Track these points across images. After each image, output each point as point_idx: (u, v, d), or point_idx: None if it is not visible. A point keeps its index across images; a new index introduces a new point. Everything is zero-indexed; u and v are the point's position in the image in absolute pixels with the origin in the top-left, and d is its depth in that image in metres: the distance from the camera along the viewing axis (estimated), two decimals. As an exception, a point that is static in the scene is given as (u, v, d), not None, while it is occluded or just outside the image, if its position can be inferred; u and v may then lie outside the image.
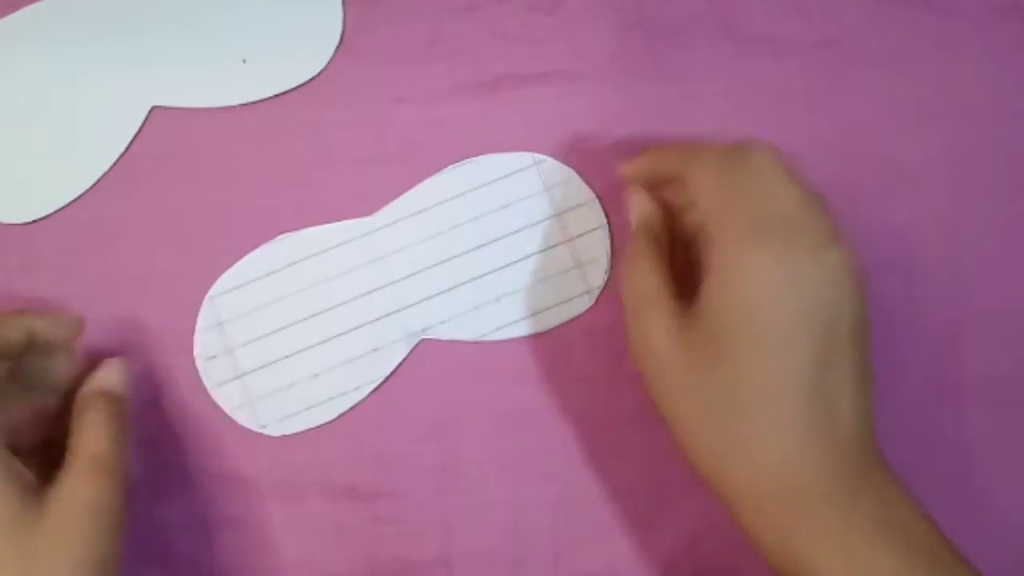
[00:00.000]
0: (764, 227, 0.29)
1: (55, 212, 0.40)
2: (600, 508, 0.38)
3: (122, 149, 0.40)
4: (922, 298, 0.39)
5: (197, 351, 0.39)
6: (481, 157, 0.40)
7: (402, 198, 0.40)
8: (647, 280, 0.32)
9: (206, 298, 0.39)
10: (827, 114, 0.40)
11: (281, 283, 0.39)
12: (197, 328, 0.39)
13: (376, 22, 0.41)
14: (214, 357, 0.39)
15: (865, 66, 0.41)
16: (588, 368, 0.39)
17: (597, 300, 0.39)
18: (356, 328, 0.39)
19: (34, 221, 0.40)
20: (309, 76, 0.40)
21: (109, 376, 0.35)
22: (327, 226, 0.39)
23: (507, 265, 0.39)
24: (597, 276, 0.39)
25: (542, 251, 0.39)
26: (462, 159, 0.40)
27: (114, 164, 0.40)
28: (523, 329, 0.39)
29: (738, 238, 0.29)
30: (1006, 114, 0.40)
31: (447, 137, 0.40)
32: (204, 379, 0.39)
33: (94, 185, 0.40)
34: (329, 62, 0.40)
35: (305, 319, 0.39)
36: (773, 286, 0.28)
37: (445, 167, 0.40)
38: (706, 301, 0.30)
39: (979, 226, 0.40)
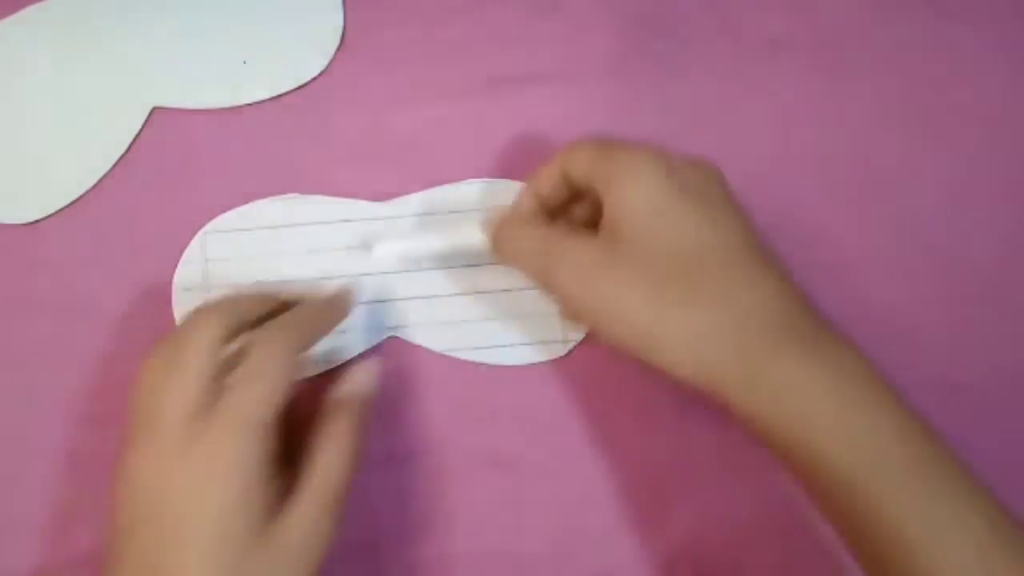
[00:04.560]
0: (644, 153, 0.33)
1: (56, 212, 0.40)
2: (600, 507, 0.38)
3: (123, 150, 0.40)
4: (920, 297, 0.40)
5: (176, 280, 0.39)
6: (506, 180, 0.40)
7: (417, 195, 0.40)
8: (542, 229, 0.34)
9: (200, 232, 0.39)
10: (825, 114, 0.41)
11: (276, 239, 0.39)
12: (182, 258, 0.39)
13: (376, 23, 0.41)
14: (189, 290, 0.39)
15: (863, 67, 0.41)
16: (588, 367, 0.39)
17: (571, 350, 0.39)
18: None
19: (35, 221, 0.40)
20: (310, 77, 0.41)
21: (361, 381, 0.35)
22: (337, 199, 0.40)
23: (495, 291, 0.39)
24: (578, 329, 0.39)
25: (532, 288, 0.39)
26: (462, 160, 0.40)
27: (115, 165, 0.40)
28: (488, 357, 0.39)
29: (621, 169, 0.33)
30: (1004, 113, 0.41)
31: (447, 137, 0.40)
32: (175, 308, 0.39)
33: (95, 186, 0.40)
34: (330, 63, 0.41)
35: (286, 281, 0.39)
36: (661, 182, 0.32)
37: (445, 168, 0.40)
38: (614, 221, 0.32)
39: (978, 225, 0.40)
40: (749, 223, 0.33)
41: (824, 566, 0.38)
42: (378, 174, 0.40)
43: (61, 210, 0.40)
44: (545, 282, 0.34)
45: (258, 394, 0.30)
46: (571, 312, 0.33)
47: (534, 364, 0.39)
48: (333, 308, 0.36)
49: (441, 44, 0.41)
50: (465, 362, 0.39)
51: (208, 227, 0.40)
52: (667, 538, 0.38)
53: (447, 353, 0.39)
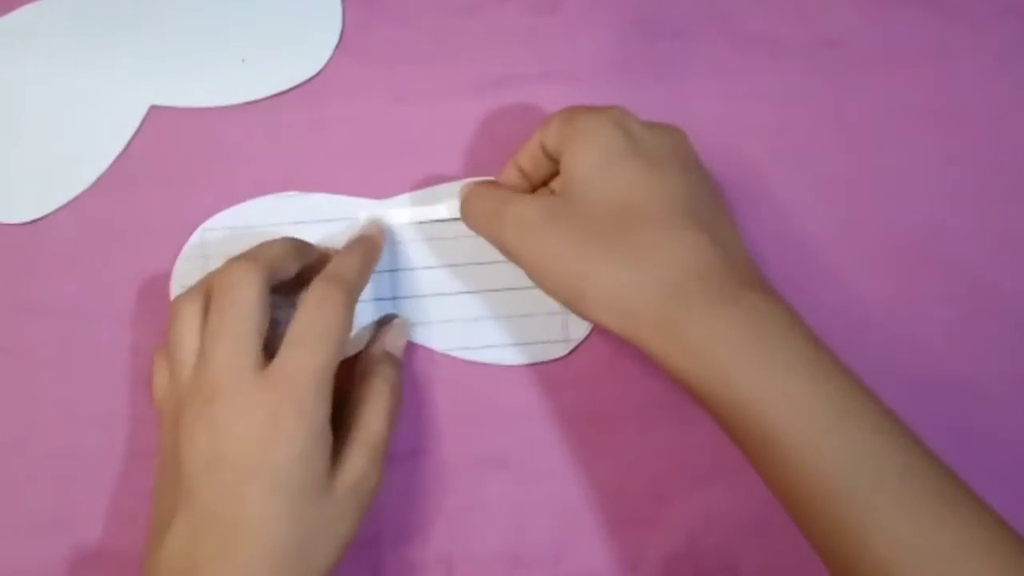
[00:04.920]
0: (603, 114, 0.34)
1: (54, 212, 0.40)
2: (600, 507, 0.39)
3: (120, 149, 0.40)
4: (919, 297, 0.40)
5: (174, 277, 0.39)
6: None
7: (417, 193, 0.40)
8: (498, 190, 0.36)
9: (198, 229, 0.39)
10: (826, 115, 0.40)
11: (275, 236, 0.38)
12: (180, 255, 0.39)
13: (376, 22, 0.41)
14: (188, 286, 0.38)
15: (864, 67, 0.41)
16: (588, 367, 0.39)
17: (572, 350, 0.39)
18: None
19: (33, 221, 0.40)
20: (308, 76, 0.40)
21: (398, 339, 0.38)
22: (337, 196, 0.40)
23: (494, 290, 0.39)
24: (579, 328, 0.39)
25: (532, 288, 0.38)
26: (461, 159, 0.40)
27: (112, 164, 0.40)
28: (489, 356, 0.39)
29: (580, 130, 0.33)
30: (1005, 114, 0.40)
31: (447, 137, 0.40)
32: None
33: (93, 185, 0.40)
34: (328, 62, 0.40)
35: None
36: (617, 142, 0.33)
37: (444, 167, 0.40)
38: (564, 181, 0.34)
39: (977, 226, 0.40)
40: (700, 185, 0.34)
41: (824, 567, 0.38)
42: (377, 173, 0.40)
43: (59, 209, 0.40)
44: (494, 238, 0.35)
45: (321, 351, 0.31)
46: (517, 264, 0.35)
47: (534, 364, 0.39)
48: (372, 249, 0.37)
49: (440, 44, 0.41)
50: (465, 362, 0.39)
51: (207, 224, 0.39)
52: (666, 538, 0.38)
53: (447, 353, 0.39)
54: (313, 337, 0.31)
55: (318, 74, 0.40)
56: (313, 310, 0.32)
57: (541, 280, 0.34)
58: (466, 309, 0.39)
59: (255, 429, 0.30)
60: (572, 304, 0.33)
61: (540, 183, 0.37)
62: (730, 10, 0.41)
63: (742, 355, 0.30)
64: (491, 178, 0.39)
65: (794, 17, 0.41)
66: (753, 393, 0.30)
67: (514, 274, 0.39)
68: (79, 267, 0.40)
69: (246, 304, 0.32)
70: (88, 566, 0.38)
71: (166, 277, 0.39)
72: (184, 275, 0.39)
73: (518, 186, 0.37)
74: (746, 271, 0.32)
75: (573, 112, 0.34)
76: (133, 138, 0.40)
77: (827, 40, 0.41)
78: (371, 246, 0.37)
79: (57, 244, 0.40)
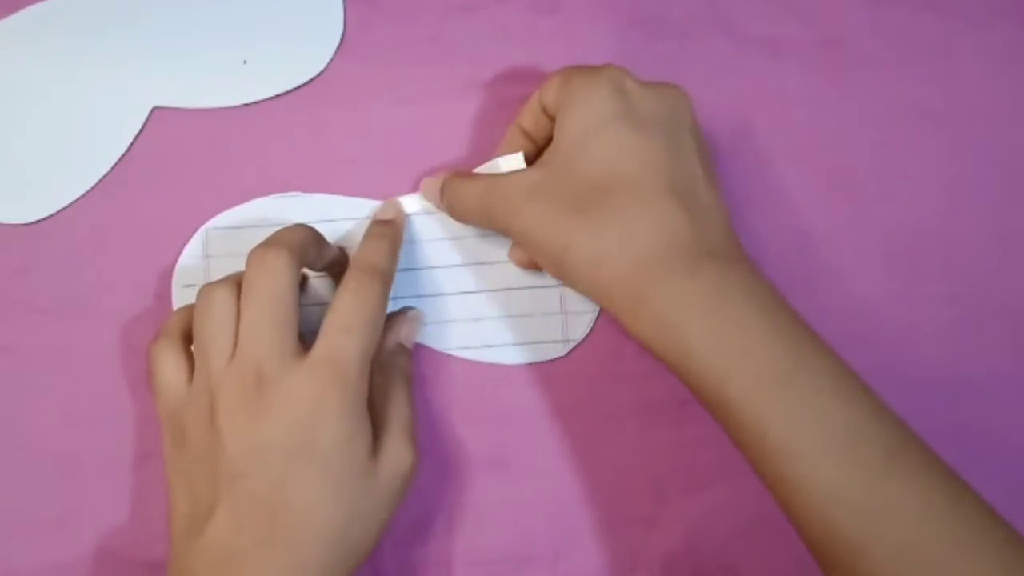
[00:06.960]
0: (599, 75, 0.34)
1: (56, 212, 0.40)
2: (600, 507, 0.39)
3: (123, 150, 0.40)
4: (922, 297, 0.40)
5: (176, 277, 0.39)
6: None
7: (417, 194, 0.40)
8: (479, 175, 0.37)
9: (201, 229, 0.39)
10: (827, 114, 0.40)
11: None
12: (182, 255, 0.39)
13: (376, 22, 0.41)
14: (189, 286, 0.39)
15: (864, 66, 0.41)
16: (588, 367, 0.39)
17: (571, 350, 0.39)
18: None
19: (36, 221, 0.40)
20: (309, 76, 0.40)
21: (412, 332, 0.38)
22: (339, 197, 0.40)
23: (494, 290, 0.39)
24: (578, 328, 0.39)
25: (532, 288, 0.39)
26: (462, 159, 0.40)
27: (115, 165, 0.40)
28: (489, 356, 0.39)
29: (574, 92, 0.34)
30: (1005, 114, 0.40)
31: (447, 137, 0.40)
32: (175, 305, 0.39)
33: (95, 185, 0.40)
34: (329, 62, 0.41)
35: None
36: (613, 106, 0.33)
37: (444, 167, 0.40)
38: (553, 145, 0.34)
39: (978, 225, 0.40)
40: (687, 151, 0.34)
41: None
42: (378, 173, 0.40)
43: (62, 210, 0.40)
44: (488, 221, 0.36)
45: (362, 337, 0.32)
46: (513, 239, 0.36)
47: (534, 364, 0.39)
48: (397, 232, 0.37)
49: (441, 43, 0.41)
50: (465, 362, 0.39)
51: (209, 224, 0.39)
52: (666, 538, 0.38)
53: (447, 353, 0.39)
54: (355, 324, 0.32)
55: (319, 75, 0.40)
56: (352, 298, 0.33)
57: (530, 252, 0.35)
58: (466, 309, 0.39)
59: (301, 415, 0.31)
60: (556, 274, 0.35)
61: (544, 143, 0.37)
62: (730, 10, 0.41)
63: (697, 324, 0.31)
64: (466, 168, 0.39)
65: (794, 17, 0.41)
66: (707, 360, 0.31)
67: (514, 274, 0.39)
68: (81, 267, 0.40)
69: (284, 290, 0.32)
70: (88, 566, 0.38)
71: (168, 277, 0.39)
72: (186, 275, 0.39)
73: (523, 146, 0.37)
74: (716, 241, 0.33)
75: (570, 72, 0.35)
76: (136, 139, 0.40)
77: (828, 39, 0.41)
78: (395, 229, 0.37)
79: (59, 244, 0.40)
